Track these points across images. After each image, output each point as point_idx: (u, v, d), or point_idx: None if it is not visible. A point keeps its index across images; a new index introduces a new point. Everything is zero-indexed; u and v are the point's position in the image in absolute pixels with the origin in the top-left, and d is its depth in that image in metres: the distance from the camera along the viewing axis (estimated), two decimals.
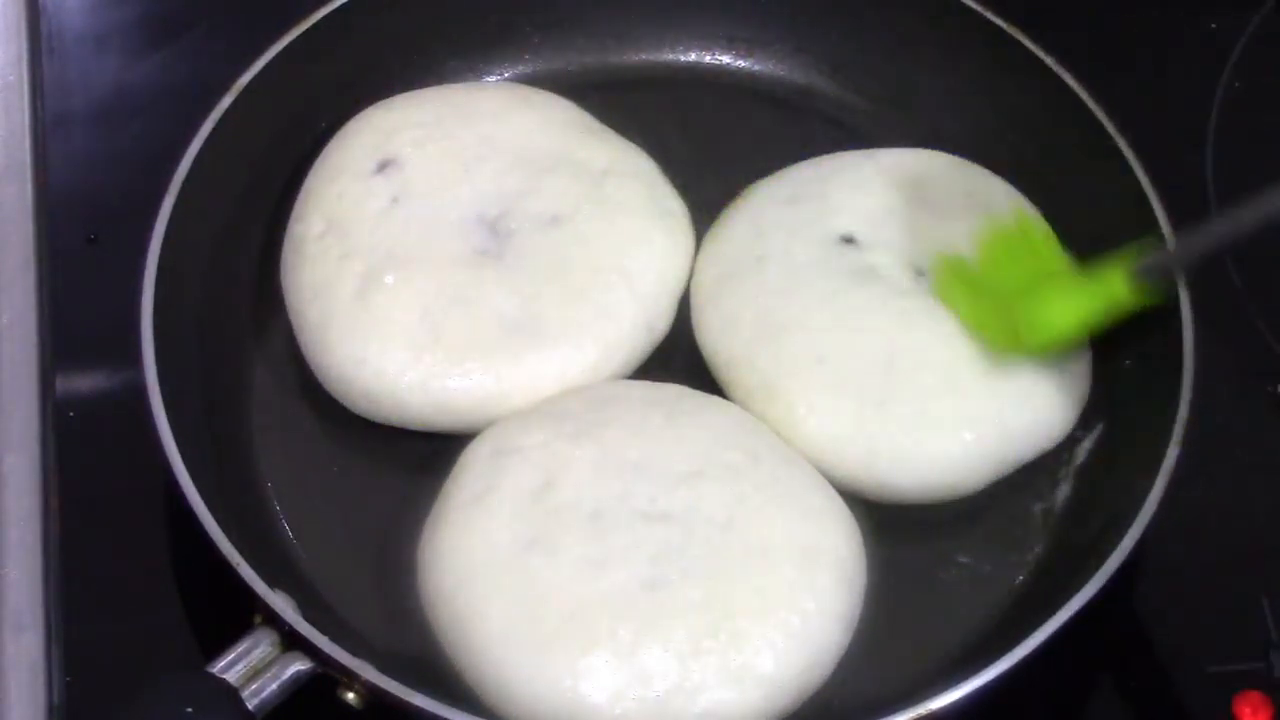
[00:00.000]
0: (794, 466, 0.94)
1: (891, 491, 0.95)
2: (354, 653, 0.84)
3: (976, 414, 0.95)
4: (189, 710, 0.81)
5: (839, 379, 0.96)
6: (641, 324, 0.99)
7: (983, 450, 0.95)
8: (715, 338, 0.99)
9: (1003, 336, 0.95)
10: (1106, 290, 0.92)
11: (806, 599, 0.89)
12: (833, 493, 0.94)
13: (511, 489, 0.91)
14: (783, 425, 0.96)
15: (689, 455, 0.93)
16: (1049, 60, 1.04)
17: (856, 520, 0.93)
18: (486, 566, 0.89)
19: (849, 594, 0.90)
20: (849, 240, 1.01)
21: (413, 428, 0.98)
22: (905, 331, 0.97)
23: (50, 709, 0.91)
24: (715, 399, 0.97)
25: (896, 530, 0.96)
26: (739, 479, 0.92)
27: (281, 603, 0.85)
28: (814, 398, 0.95)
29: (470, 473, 0.93)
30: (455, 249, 1.00)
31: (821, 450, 0.95)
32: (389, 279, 0.98)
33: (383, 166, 1.02)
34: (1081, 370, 0.99)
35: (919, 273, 1.00)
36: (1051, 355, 0.96)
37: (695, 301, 1.01)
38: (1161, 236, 0.97)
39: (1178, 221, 0.97)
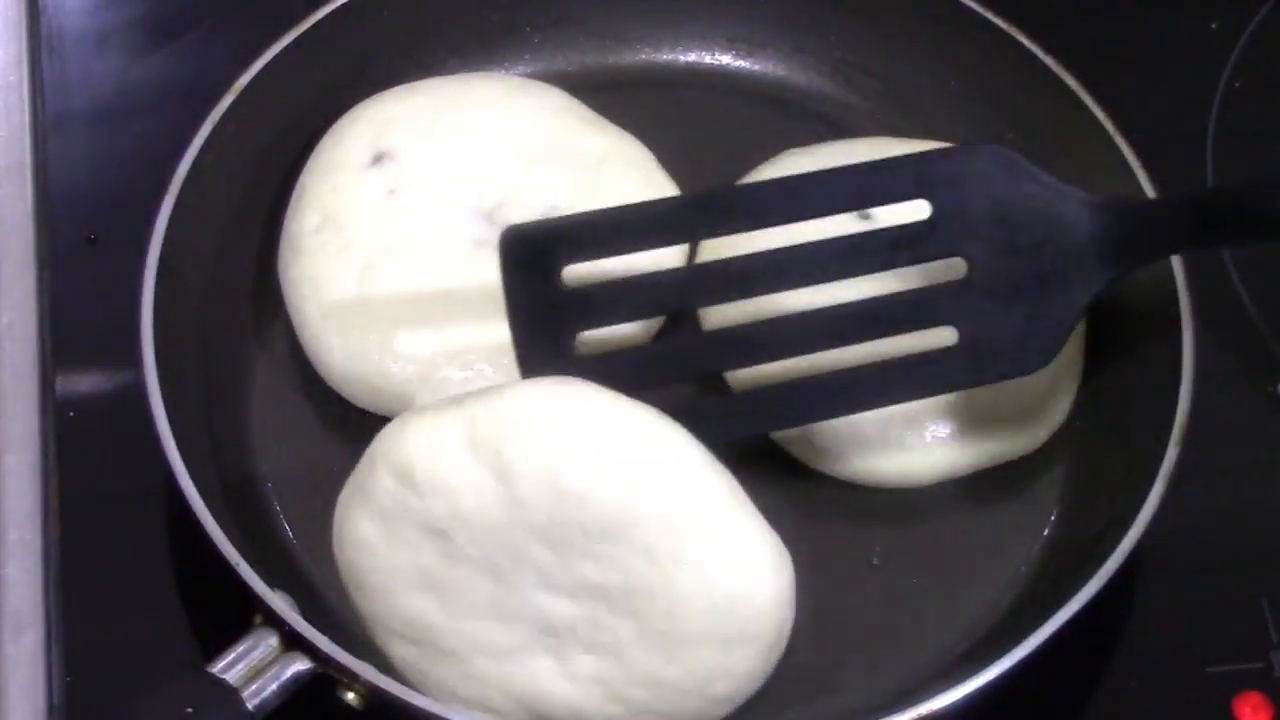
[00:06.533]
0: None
1: (875, 475, 0.96)
2: (354, 653, 0.84)
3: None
4: (189, 710, 0.81)
5: None
6: None
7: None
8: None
9: None
10: None
11: (724, 684, 0.85)
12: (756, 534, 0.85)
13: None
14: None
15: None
16: (1049, 60, 1.04)
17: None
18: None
19: (770, 657, 0.85)
20: None
21: None
22: None
23: (50, 709, 0.91)
24: None
25: (897, 531, 0.96)
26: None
27: (281, 603, 0.85)
28: None
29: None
30: (453, 240, 1.00)
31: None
32: (387, 272, 0.98)
33: (378, 159, 1.02)
34: (1071, 360, 0.99)
35: None
36: None
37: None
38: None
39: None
